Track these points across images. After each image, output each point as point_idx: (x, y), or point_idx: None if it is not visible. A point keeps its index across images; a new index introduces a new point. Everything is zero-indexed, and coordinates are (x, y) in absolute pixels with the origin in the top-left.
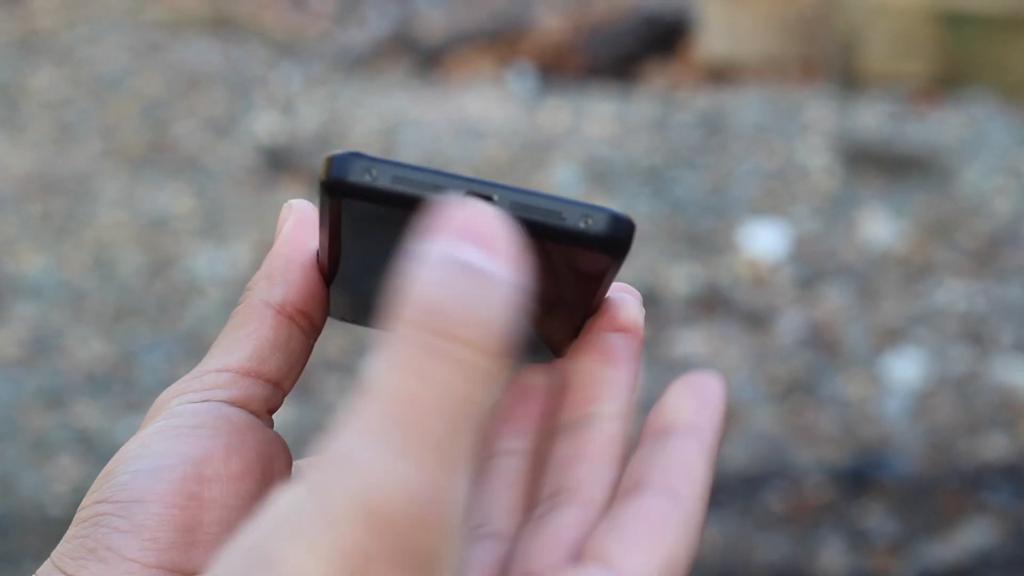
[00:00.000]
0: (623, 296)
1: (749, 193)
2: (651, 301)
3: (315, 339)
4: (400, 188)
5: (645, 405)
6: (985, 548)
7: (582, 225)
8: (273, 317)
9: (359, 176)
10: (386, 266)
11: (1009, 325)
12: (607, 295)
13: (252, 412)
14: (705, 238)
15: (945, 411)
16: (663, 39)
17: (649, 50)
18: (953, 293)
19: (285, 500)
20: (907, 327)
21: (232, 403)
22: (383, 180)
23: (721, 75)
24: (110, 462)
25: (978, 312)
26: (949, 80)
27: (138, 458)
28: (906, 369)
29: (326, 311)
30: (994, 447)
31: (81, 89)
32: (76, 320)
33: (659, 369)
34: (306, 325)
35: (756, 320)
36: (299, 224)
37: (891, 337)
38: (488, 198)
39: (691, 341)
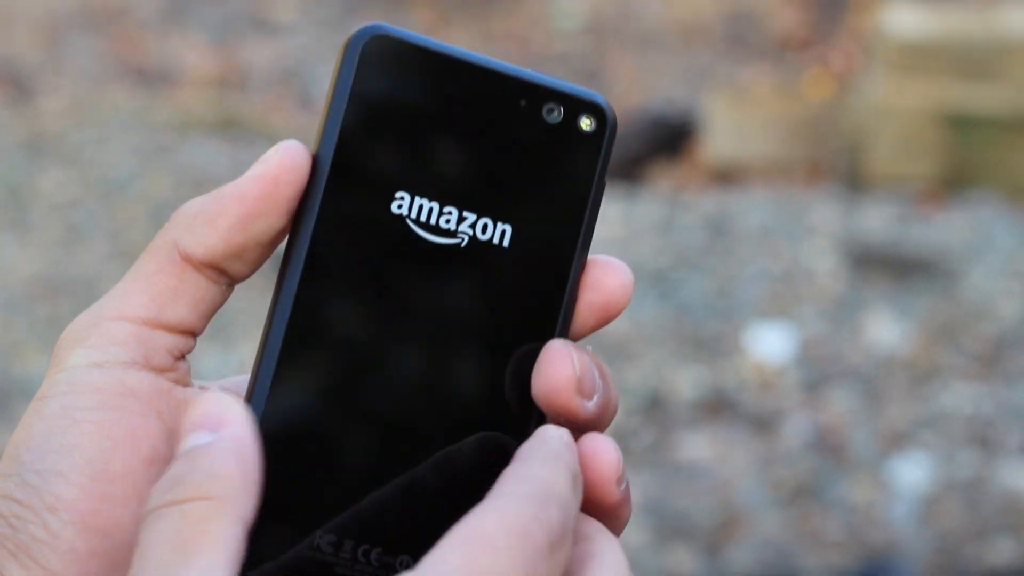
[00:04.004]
0: None
1: (755, 296)
2: (657, 404)
3: (231, 289)
4: None
5: (651, 508)
6: None
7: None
8: (178, 264)
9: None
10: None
11: (1016, 429)
12: None
13: (156, 368)
14: (711, 341)
15: (952, 515)
16: (669, 141)
17: (655, 152)
18: (959, 396)
19: None
20: (913, 430)
21: (133, 364)
22: None
23: (727, 177)
24: (17, 435)
25: (984, 415)
26: (955, 182)
27: (44, 451)
28: (912, 473)
29: (250, 268)
30: (1001, 551)
31: (89, 191)
32: None
33: (665, 472)
34: (217, 277)
35: (762, 423)
36: (278, 166)
37: (897, 441)
38: None
39: (697, 445)
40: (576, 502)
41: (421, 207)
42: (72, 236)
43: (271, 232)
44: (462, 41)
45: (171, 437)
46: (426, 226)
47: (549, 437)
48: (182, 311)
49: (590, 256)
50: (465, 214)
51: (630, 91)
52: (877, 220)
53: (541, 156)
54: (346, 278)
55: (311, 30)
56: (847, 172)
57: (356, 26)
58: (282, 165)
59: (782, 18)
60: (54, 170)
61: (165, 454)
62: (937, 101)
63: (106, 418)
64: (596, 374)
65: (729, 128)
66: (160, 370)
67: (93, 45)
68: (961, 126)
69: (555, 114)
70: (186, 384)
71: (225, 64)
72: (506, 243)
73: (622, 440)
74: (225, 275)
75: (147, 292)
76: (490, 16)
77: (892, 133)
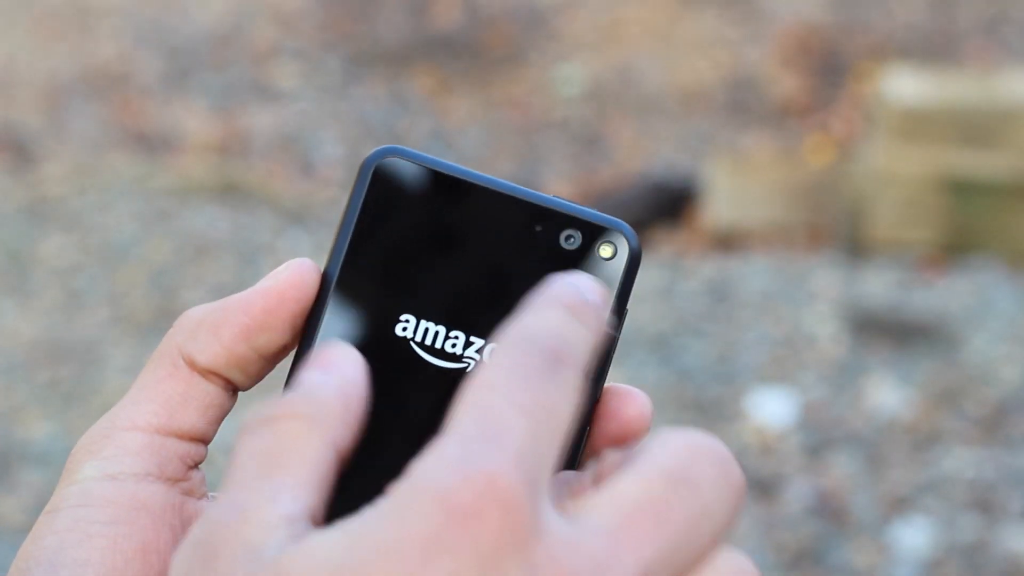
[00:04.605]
0: None
1: (756, 361)
2: None
3: (236, 396)
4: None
5: None
6: None
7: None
8: (184, 370)
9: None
10: None
11: (1017, 493)
12: None
13: (170, 479)
14: (713, 406)
15: None
16: (670, 206)
17: (656, 217)
18: (961, 461)
19: None
20: (915, 495)
21: (147, 476)
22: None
23: (728, 242)
24: (27, 548)
25: (986, 480)
26: (956, 248)
27: (55, 565)
28: (914, 537)
29: (251, 380)
30: None
31: (90, 256)
32: None
33: None
34: (224, 384)
35: (764, 488)
36: (286, 282)
37: (899, 505)
38: None
39: None
40: (580, 328)
41: (427, 330)
42: (73, 301)
43: (274, 346)
44: (463, 108)
45: None
46: (431, 350)
47: (540, 291)
48: (192, 417)
49: (608, 384)
50: (472, 339)
51: (631, 156)
52: (878, 285)
53: None
54: None
55: (312, 96)
56: (848, 238)
57: (357, 93)
58: (290, 281)
59: (783, 84)
60: (55, 235)
61: None
62: (938, 167)
63: (119, 532)
64: None
65: (730, 194)
66: (174, 480)
67: (94, 111)
68: (962, 192)
69: (573, 241)
70: (201, 495)
71: (226, 130)
72: None
73: None
74: (230, 384)
75: (156, 399)
76: (491, 83)
77: (893, 199)
